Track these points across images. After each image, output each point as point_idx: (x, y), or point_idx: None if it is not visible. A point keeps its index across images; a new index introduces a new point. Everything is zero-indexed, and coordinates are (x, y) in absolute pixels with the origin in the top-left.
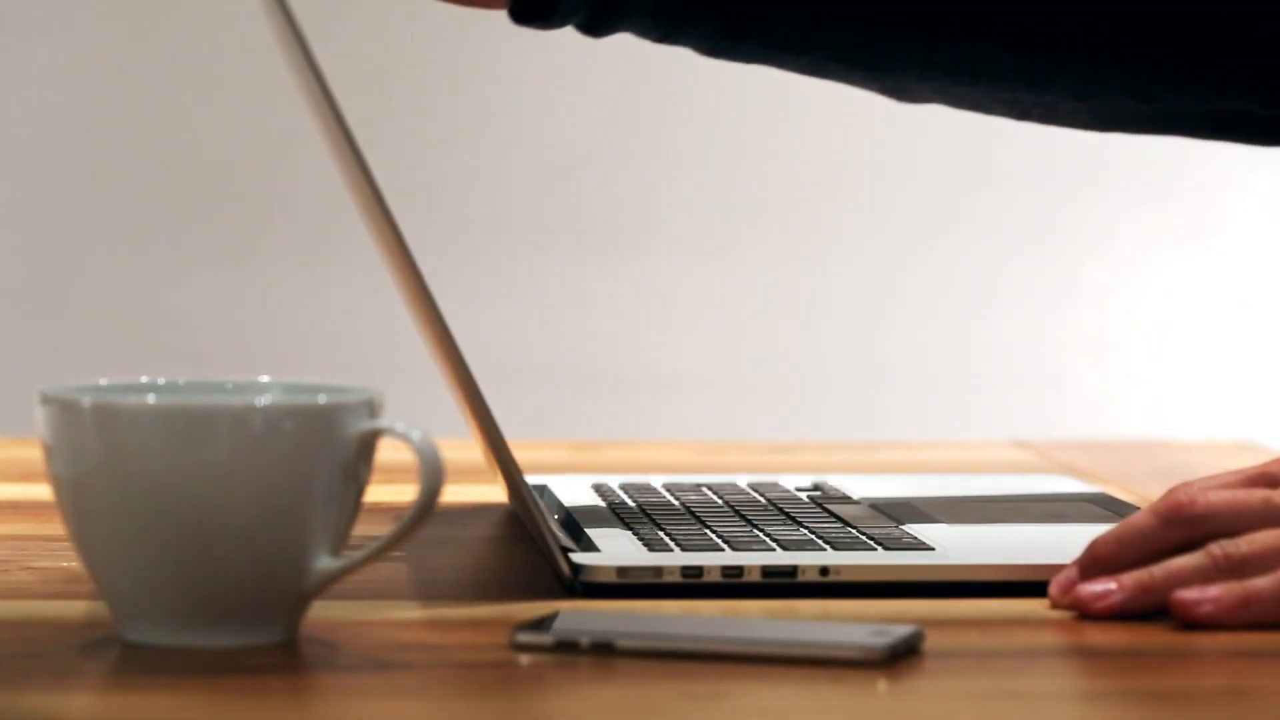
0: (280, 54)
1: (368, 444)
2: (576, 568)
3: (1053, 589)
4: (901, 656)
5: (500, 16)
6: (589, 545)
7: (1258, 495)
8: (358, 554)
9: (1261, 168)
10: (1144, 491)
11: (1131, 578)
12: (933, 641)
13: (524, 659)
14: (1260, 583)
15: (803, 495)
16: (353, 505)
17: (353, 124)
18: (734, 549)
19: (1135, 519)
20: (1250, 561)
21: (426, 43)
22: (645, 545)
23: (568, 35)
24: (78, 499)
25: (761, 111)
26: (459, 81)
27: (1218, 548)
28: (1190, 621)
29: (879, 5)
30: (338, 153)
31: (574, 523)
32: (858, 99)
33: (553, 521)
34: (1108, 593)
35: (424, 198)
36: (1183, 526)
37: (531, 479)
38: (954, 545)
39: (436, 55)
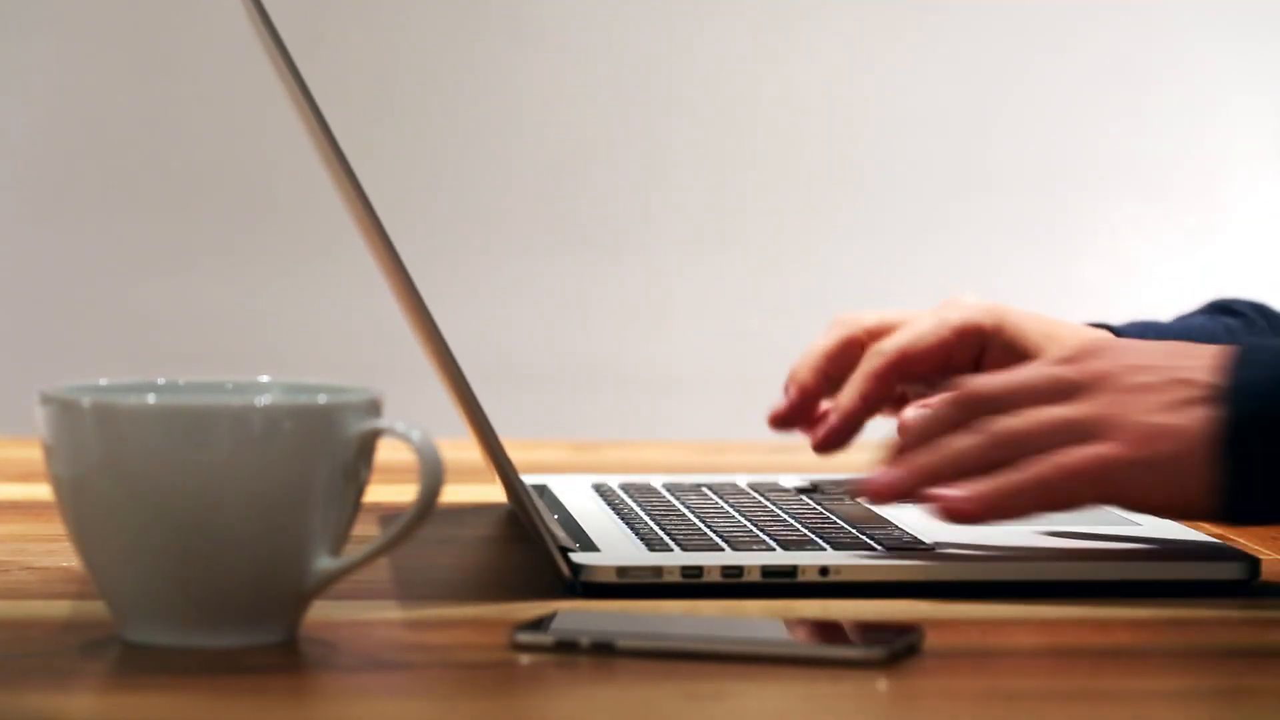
0: (267, 62)
1: (368, 444)
2: (576, 568)
3: (854, 485)
4: (901, 656)
5: (497, 13)
6: (589, 545)
7: (1039, 373)
8: (358, 554)
9: (1262, 167)
10: None
11: (916, 464)
12: (933, 641)
13: (524, 659)
14: (1015, 475)
15: (803, 495)
16: (353, 505)
17: (346, 125)
18: (734, 549)
19: (931, 409)
20: (1022, 437)
21: (421, 44)
22: (645, 545)
23: (564, 35)
24: (78, 499)
25: (761, 111)
26: (454, 82)
27: (994, 424)
28: (950, 517)
29: None
30: (326, 160)
31: (574, 523)
32: (856, 99)
33: (552, 521)
34: (895, 478)
35: (422, 199)
36: (970, 406)
37: (531, 479)
38: (954, 545)
39: (431, 57)
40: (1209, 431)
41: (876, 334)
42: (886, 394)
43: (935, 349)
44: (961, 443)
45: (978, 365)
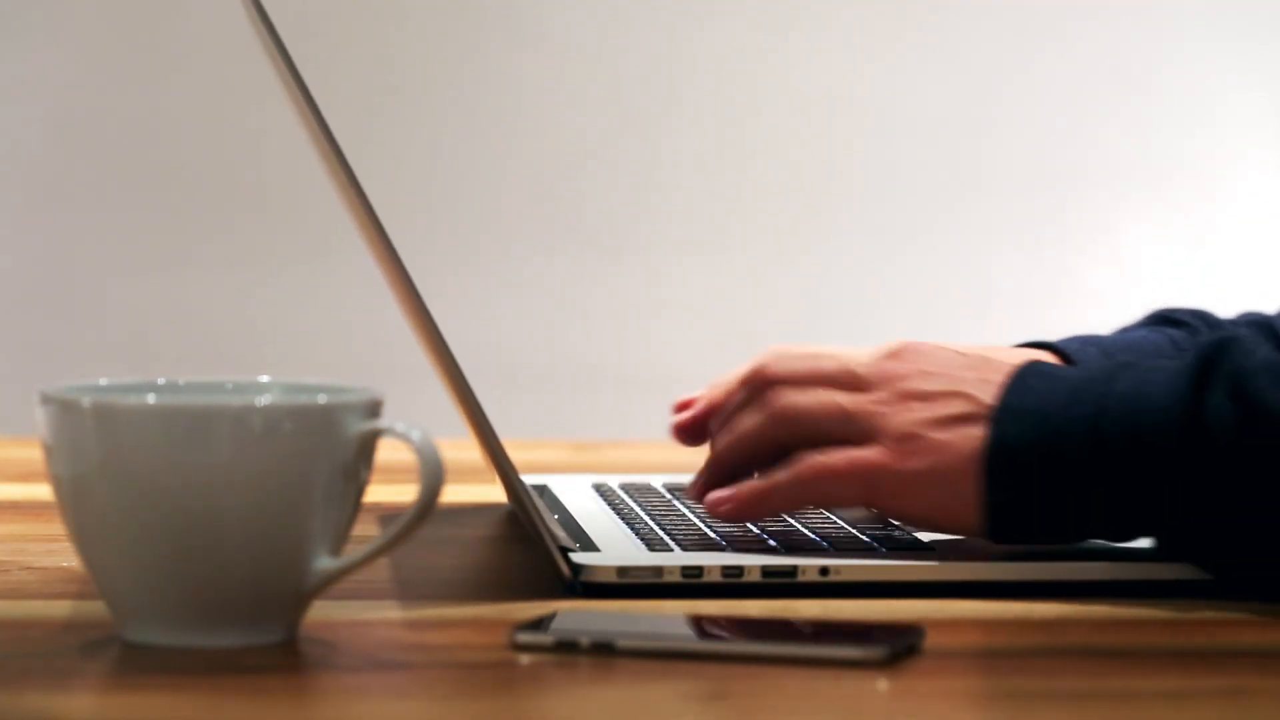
0: (268, 62)
1: (368, 444)
2: (576, 568)
3: (688, 491)
4: (901, 656)
5: (496, 13)
6: (589, 545)
7: (833, 362)
8: (358, 554)
9: (1261, 167)
10: None
11: (711, 458)
12: (933, 641)
13: (524, 659)
14: (778, 474)
15: None
16: (353, 505)
17: (346, 125)
18: (734, 549)
19: (731, 393)
20: (797, 415)
21: (421, 43)
22: (645, 545)
23: (562, 36)
24: (78, 499)
25: (762, 110)
26: (453, 82)
27: (774, 399)
28: (721, 519)
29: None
30: (326, 159)
31: (574, 523)
32: (855, 99)
33: (552, 521)
34: (696, 481)
35: (422, 199)
36: (761, 387)
37: (531, 479)
38: (953, 545)
39: (430, 57)
40: (974, 450)
41: None
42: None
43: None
44: (745, 422)
45: None
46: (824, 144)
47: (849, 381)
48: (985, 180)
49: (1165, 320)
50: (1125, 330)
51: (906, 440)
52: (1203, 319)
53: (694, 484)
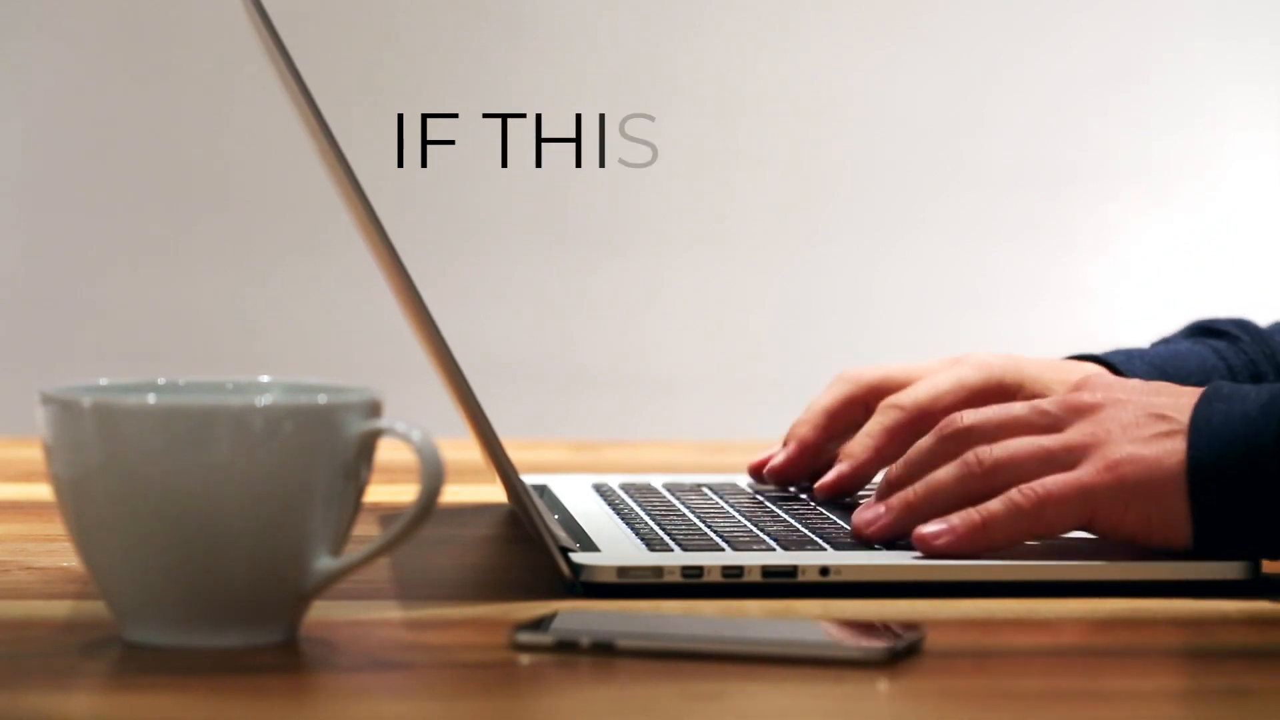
0: (267, 61)
1: (368, 444)
2: (576, 568)
3: (852, 528)
4: (901, 656)
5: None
6: (589, 545)
7: (1023, 406)
8: (358, 554)
9: (1261, 166)
10: None
11: (897, 499)
12: (933, 641)
13: (524, 659)
14: (993, 505)
15: (802, 495)
16: (353, 505)
17: (344, 124)
18: (734, 549)
19: (920, 442)
20: (1003, 465)
21: (418, 43)
22: (645, 545)
23: (558, 35)
24: (78, 499)
25: (757, 108)
26: (452, 81)
27: (972, 454)
28: (932, 555)
29: None
30: (325, 159)
31: (574, 523)
32: (853, 98)
33: (552, 521)
34: (877, 516)
35: (422, 198)
36: (955, 440)
37: (531, 479)
38: (893, 549)
39: (428, 55)
40: (1179, 464)
41: (880, 390)
42: (899, 450)
43: (953, 408)
44: (942, 475)
45: None
46: (820, 142)
47: (1044, 423)
48: (979, 178)
49: (1206, 331)
50: (1168, 341)
51: (1116, 460)
52: (1244, 328)
53: (868, 524)
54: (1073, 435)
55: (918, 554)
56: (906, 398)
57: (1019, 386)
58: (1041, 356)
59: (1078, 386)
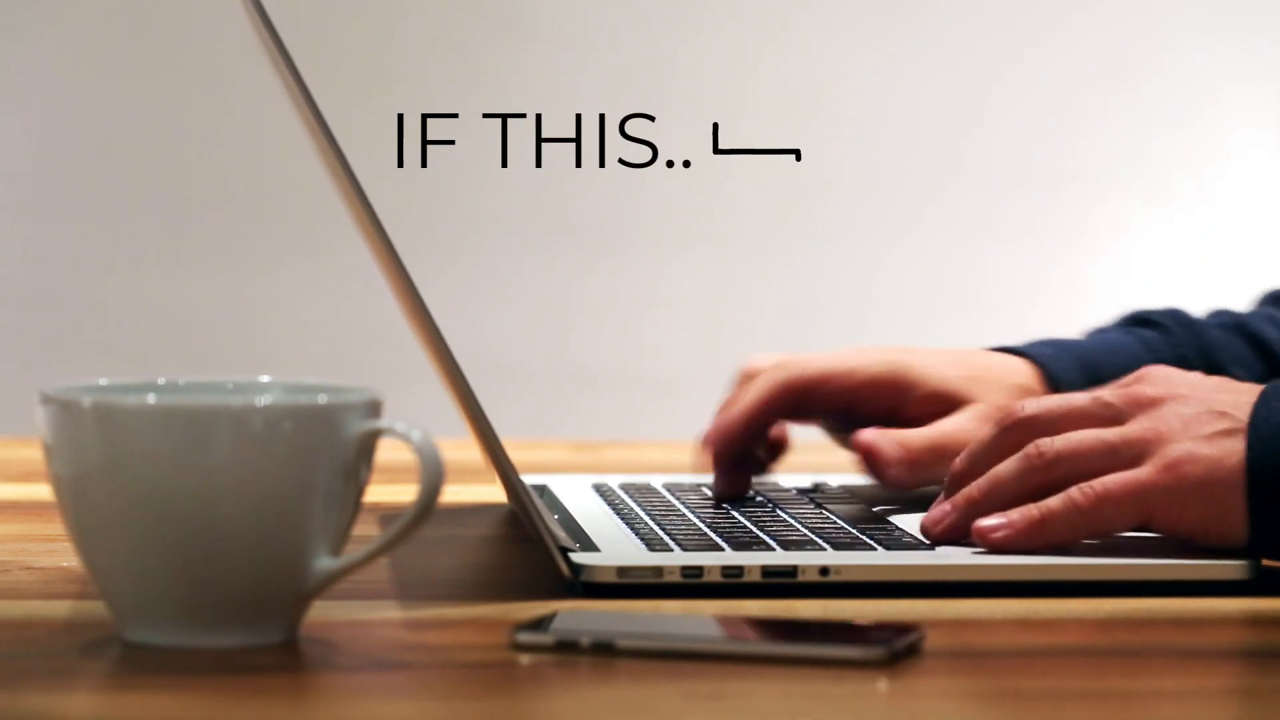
0: (267, 61)
1: (368, 444)
2: (576, 568)
3: (926, 527)
4: (901, 656)
5: (494, 12)
6: (589, 545)
7: (1084, 396)
8: (358, 554)
9: (1260, 166)
10: None
11: (961, 496)
12: (933, 641)
13: (524, 659)
14: (1053, 502)
15: (803, 495)
16: (353, 505)
17: (344, 124)
18: (734, 549)
19: (981, 435)
20: (1064, 458)
21: (418, 43)
22: (645, 545)
23: (557, 34)
24: (78, 499)
25: (756, 107)
26: (451, 81)
27: (1033, 446)
28: (991, 548)
29: None
30: (325, 159)
31: (574, 523)
32: (851, 97)
33: (552, 521)
34: (943, 515)
35: (422, 198)
36: (1016, 431)
37: (531, 479)
38: (954, 545)
39: (428, 55)
40: (1239, 462)
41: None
42: (783, 409)
43: (846, 378)
44: (1004, 469)
45: (892, 412)
46: (818, 142)
47: (1105, 414)
48: (978, 177)
49: (1139, 321)
50: (1099, 332)
51: (1176, 459)
52: (1176, 319)
53: (935, 524)
54: (1133, 429)
55: (918, 554)
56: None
57: (921, 380)
58: (954, 348)
59: (1137, 378)
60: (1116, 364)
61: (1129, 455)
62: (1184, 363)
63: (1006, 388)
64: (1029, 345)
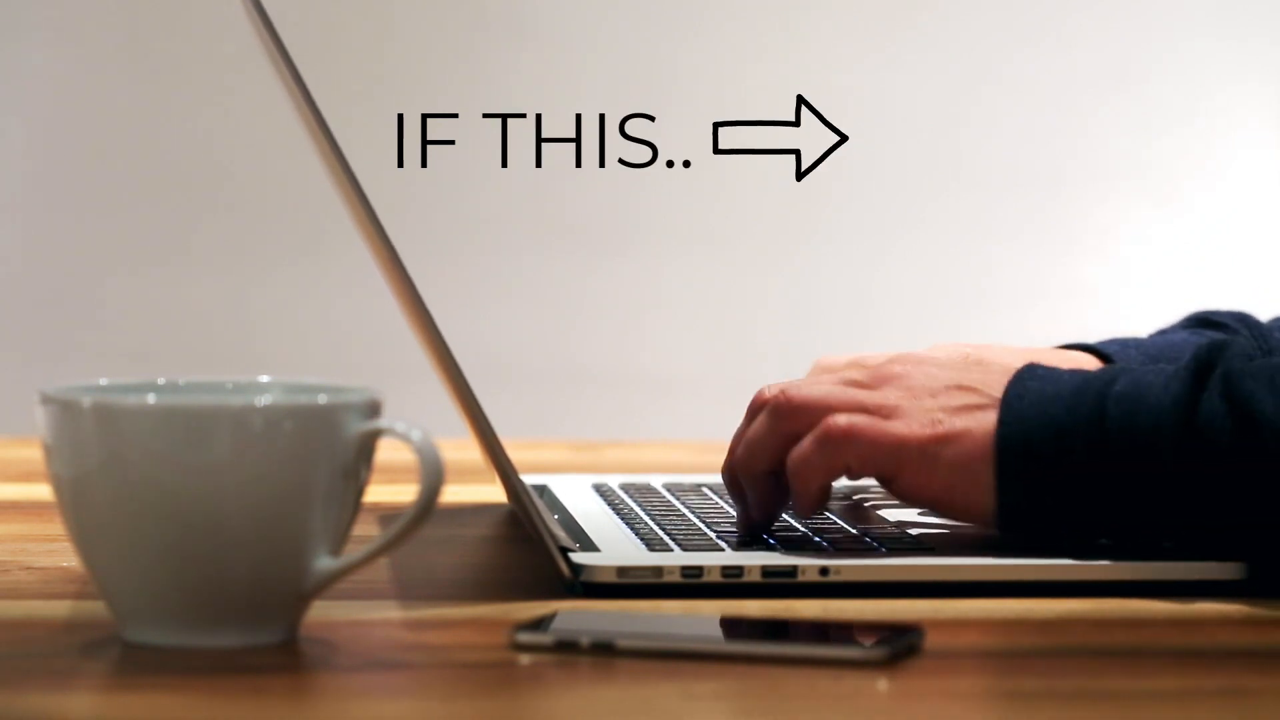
0: (267, 61)
1: (368, 444)
2: (576, 568)
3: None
4: (901, 656)
5: (494, 12)
6: (589, 545)
7: (832, 376)
8: (358, 554)
9: (1261, 166)
10: None
11: (737, 487)
12: (933, 641)
13: (524, 659)
14: (803, 444)
15: None
16: (353, 505)
17: (344, 124)
18: (734, 549)
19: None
20: (812, 404)
21: (417, 43)
22: (645, 545)
23: (556, 34)
24: (78, 499)
25: (755, 107)
26: (451, 81)
27: (780, 394)
28: (757, 519)
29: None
30: (325, 158)
31: (574, 523)
32: (850, 96)
33: (552, 521)
34: (742, 517)
35: (422, 198)
36: (763, 411)
37: (531, 479)
38: (953, 545)
39: (428, 55)
40: (988, 435)
41: None
42: None
43: None
44: (754, 428)
45: None
46: (818, 141)
47: (857, 386)
48: (979, 178)
49: (1204, 322)
50: (1164, 332)
51: (930, 422)
52: (1243, 321)
53: (744, 523)
54: (884, 394)
55: (917, 554)
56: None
57: None
58: (1026, 346)
59: (891, 359)
60: (1180, 360)
61: (881, 415)
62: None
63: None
64: (1101, 342)
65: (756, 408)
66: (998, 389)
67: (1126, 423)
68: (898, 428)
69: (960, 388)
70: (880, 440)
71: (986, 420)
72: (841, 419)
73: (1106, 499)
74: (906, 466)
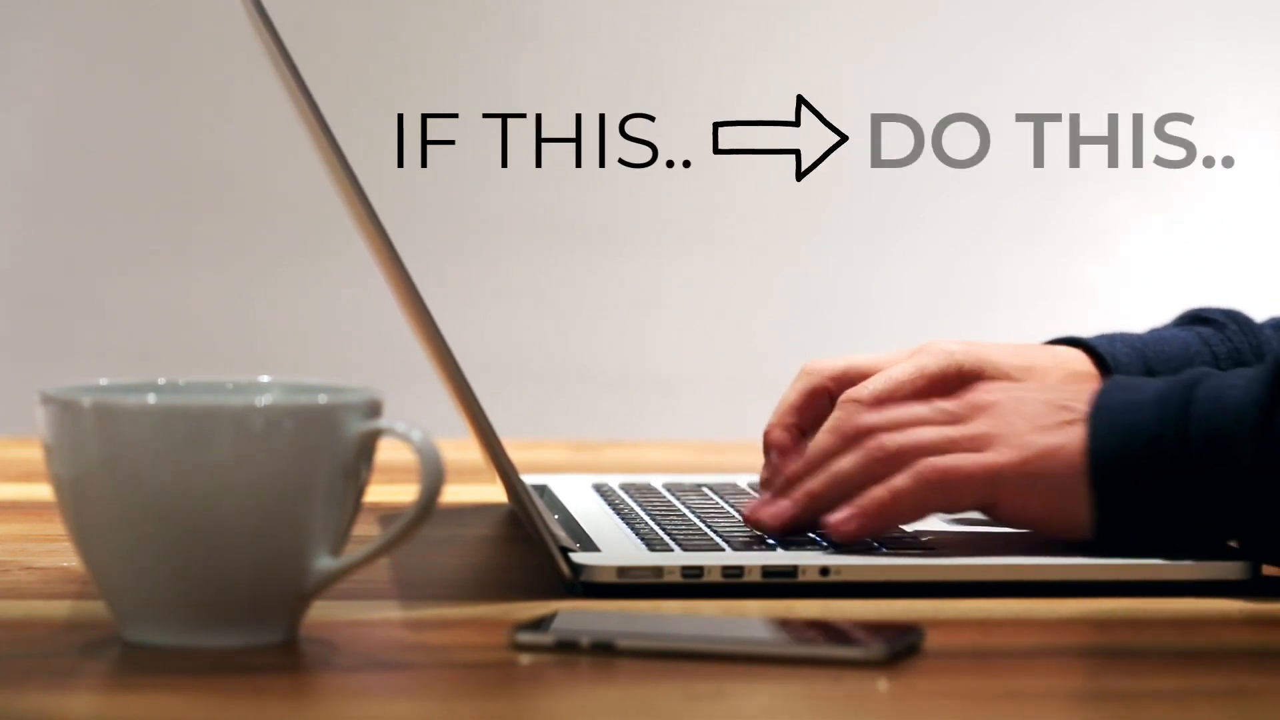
0: (267, 61)
1: (368, 444)
2: (576, 568)
3: (744, 511)
4: (901, 656)
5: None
6: (589, 545)
7: (924, 405)
8: (358, 554)
9: (1261, 166)
10: None
11: (801, 492)
12: (933, 641)
13: (524, 659)
14: (899, 480)
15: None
16: (353, 505)
17: (344, 124)
18: (734, 549)
19: (818, 439)
20: (906, 451)
21: (417, 43)
22: (645, 545)
23: (556, 33)
24: (78, 499)
25: (755, 106)
26: (451, 81)
27: (874, 440)
28: (842, 540)
29: None
30: (325, 158)
31: (574, 523)
32: (849, 95)
33: (553, 521)
34: (782, 510)
35: (422, 198)
36: (856, 439)
37: (532, 479)
38: (954, 545)
39: (427, 55)
40: (1081, 450)
41: (843, 380)
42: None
43: (912, 396)
44: (845, 463)
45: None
46: (818, 141)
47: (945, 420)
48: (978, 176)
49: (1196, 319)
50: (1157, 329)
51: (1024, 445)
52: (1233, 318)
53: (771, 515)
54: (976, 427)
55: (917, 554)
56: (865, 390)
57: (979, 373)
58: (1009, 342)
59: (977, 388)
60: (1170, 353)
61: (972, 449)
62: (1239, 359)
63: (1064, 375)
64: (1092, 337)
65: (850, 435)
66: (1085, 403)
67: (1207, 425)
68: (992, 458)
69: (1054, 406)
70: (975, 474)
71: (1077, 434)
72: (939, 462)
73: (1193, 503)
74: (1004, 492)
